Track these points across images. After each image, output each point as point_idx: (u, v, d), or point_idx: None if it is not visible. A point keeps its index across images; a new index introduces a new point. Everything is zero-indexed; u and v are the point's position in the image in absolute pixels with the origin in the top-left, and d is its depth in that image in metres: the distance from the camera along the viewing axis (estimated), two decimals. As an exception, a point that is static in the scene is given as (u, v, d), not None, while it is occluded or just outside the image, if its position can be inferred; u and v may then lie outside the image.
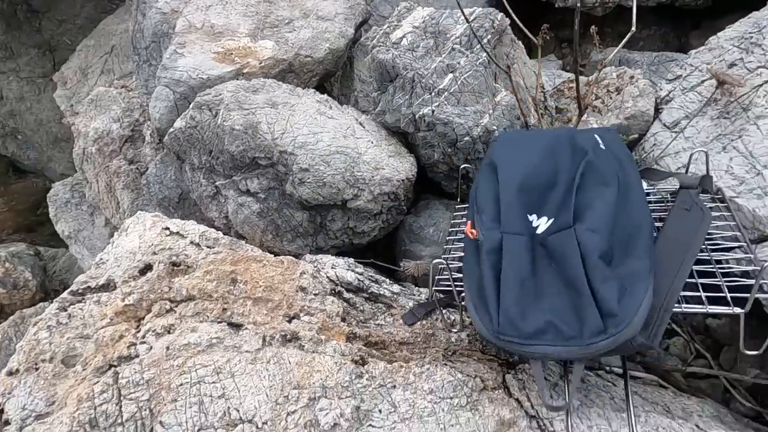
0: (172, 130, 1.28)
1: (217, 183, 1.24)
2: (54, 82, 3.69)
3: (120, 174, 1.91)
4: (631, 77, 1.55)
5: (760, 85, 1.25)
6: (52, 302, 2.57)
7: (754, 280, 0.81)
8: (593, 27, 1.39)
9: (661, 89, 1.54)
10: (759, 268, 0.86)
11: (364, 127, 1.38)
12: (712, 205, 1.10)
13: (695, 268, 0.91)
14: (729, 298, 0.83)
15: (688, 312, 0.83)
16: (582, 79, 1.62)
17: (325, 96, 1.54)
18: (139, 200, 1.93)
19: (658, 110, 1.51)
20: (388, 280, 1.20)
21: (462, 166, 1.24)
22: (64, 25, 3.95)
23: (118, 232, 1.12)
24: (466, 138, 1.26)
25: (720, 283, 0.87)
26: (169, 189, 1.64)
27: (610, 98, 1.49)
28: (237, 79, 1.51)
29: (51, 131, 3.91)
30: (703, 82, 1.43)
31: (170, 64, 1.47)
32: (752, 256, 0.92)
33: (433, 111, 1.26)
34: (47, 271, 3.28)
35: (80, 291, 1.03)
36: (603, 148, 0.98)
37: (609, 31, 2.95)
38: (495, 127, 1.26)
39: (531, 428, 0.87)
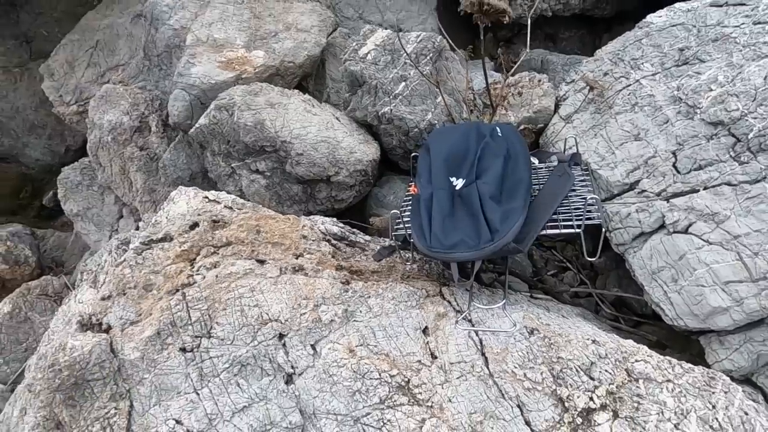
0: (197, 125, 1.70)
1: (233, 165, 1.68)
2: (31, 72, 3.93)
3: (133, 159, 2.30)
4: (539, 81, 2.06)
5: (620, 90, 1.78)
6: (54, 275, 2.98)
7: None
8: (498, 42, 1.88)
9: (560, 90, 2.06)
10: (589, 204, 1.38)
11: (340, 121, 1.83)
12: (581, 173, 1.63)
13: (561, 209, 1.43)
14: (575, 224, 1.36)
15: (549, 233, 1.35)
16: (508, 78, 2.11)
17: (308, 96, 1.98)
18: (150, 180, 2.33)
19: (557, 106, 2.02)
20: (361, 232, 1.68)
21: (413, 155, 1.73)
22: (41, 18, 4.13)
23: (166, 201, 1.55)
24: (416, 129, 1.74)
25: (571, 216, 1.39)
26: (181, 170, 2.05)
27: (522, 96, 1.99)
28: (237, 83, 1.94)
29: (27, 119, 4.10)
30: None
31: (185, 72, 1.87)
32: (596, 200, 1.44)
33: (390, 110, 1.73)
34: (39, 250, 3.57)
35: (146, 242, 1.46)
36: (500, 135, 1.49)
37: (539, 33, 3.48)
38: (436, 122, 1.74)
39: (456, 316, 1.38)
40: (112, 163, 2.36)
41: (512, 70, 1.88)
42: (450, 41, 1.74)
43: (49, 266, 3.46)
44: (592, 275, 1.99)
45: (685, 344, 1.54)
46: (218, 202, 1.48)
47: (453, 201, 1.36)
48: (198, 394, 1.23)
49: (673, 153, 1.51)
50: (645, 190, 1.51)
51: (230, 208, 1.48)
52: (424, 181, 1.41)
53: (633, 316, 1.74)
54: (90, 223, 2.78)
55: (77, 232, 3.09)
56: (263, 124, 1.64)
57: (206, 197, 1.49)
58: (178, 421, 1.19)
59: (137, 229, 2.13)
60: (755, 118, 1.39)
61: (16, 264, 3.32)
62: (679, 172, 1.47)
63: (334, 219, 1.67)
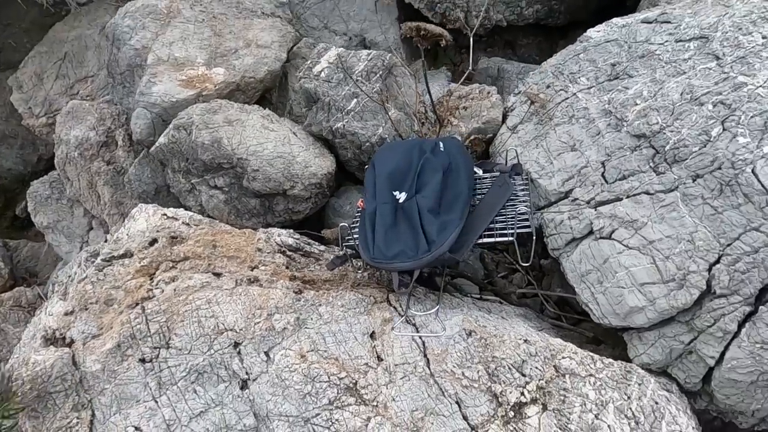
0: (157, 144, 1.78)
1: (192, 181, 1.76)
2: (0, 82, 3.93)
3: (100, 173, 2.36)
4: (488, 93, 2.17)
5: (559, 103, 1.90)
6: (27, 287, 3.02)
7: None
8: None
9: (508, 101, 2.18)
10: (521, 214, 1.49)
11: (297, 136, 1.92)
12: (521, 182, 1.74)
13: (499, 218, 1.54)
14: (509, 233, 1.47)
15: (485, 241, 1.46)
16: (460, 88, 2.22)
17: (267, 111, 2.07)
18: (117, 194, 2.40)
19: (505, 116, 2.14)
20: (317, 243, 1.77)
21: (365, 167, 1.83)
22: (9, 28, 4.13)
23: (127, 218, 1.62)
24: (368, 144, 1.84)
25: (506, 225, 1.51)
26: (146, 185, 2.12)
27: (471, 108, 2.10)
28: (198, 100, 2.01)
29: (-2, 129, 4.08)
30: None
31: (146, 91, 1.94)
32: (529, 210, 1.55)
33: (343, 126, 1.83)
34: (12, 261, 3.59)
35: (107, 259, 1.53)
36: (442, 149, 1.59)
37: (498, 39, 3.60)
38: (387, 136, 1.84)
39: (402, 321, 1.48)
40: (80, 178, 2.41)
41: (459, 82, 1.98)
42: (402, 56, 1.84)
43: (23, 277, 3.48)
44: (540, 276, 2.11)
45: (617, 340, 1.66)
46: (176, 219, 1.57)
47: (396, 214, 1.47)
48: (156, 401, 1.32)
49: (602, 163, 1.63)
50: (577, 198, 1.63)
51: (188, 224, 1.56)
52: (369, 196, 1.51)
53: (574, 314, 1.86)
54: (61, 235, 2.82)
55: (49, 243, 3.13)
56: (220, 142, 1.72)
57: (165, 214, 1.57)
58: (137, 428, 1.27)
59: (106, 241, 2.20)
60: (672, 131, 1.51)
61: (-12, 276, 3.33)
62: (606, 181, 1.59)
63: (291, 231, 1.76)
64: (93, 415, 1.29)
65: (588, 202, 1.59)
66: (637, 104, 1.65)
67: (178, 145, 1.74)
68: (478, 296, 1.92)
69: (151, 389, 1.32)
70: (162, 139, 1.77)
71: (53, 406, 1.26)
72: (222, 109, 1.90)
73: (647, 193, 1.47)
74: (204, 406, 1.33)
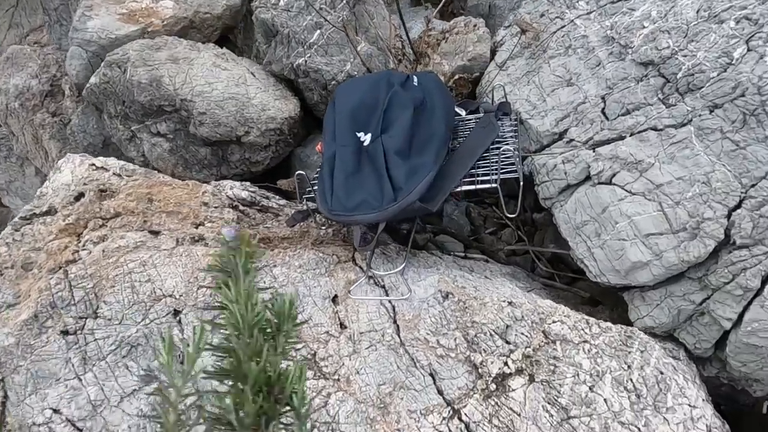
0: (88, 85, 1.54)
1: (132, 128, 1.53)
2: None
3: (45, 126, 2.12)
4: (474, 26, 1.91)
5: (554, 32, 1.65)
6: None
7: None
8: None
9: (497, 35, 1.92)
10: (504, 155, 1.27)
11: (255, 77, 1.68)
12: (510, 124, 1.51)
13: (482, 163, 1.32)
14: (493, 179, 1.26)
15: (463, 189, 1.25)
16: (442, 22, 1.96)
17: (224, 50, 1.81)
18: (66, 149, 2.16)
19: (494, 52, 1.88)
20: (277, 196, 1.56)
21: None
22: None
23: (52, 170, 1.40)
24: (333, 82, 1.60)
25: (490, 171, 1.29)
26: (92, 137, 1.89)
27: (455, 43, 1.85)
28: (142, 38, 1.76)
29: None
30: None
31: (80, 26, 1.69)
32: (514, 151, 1.33)
33: (305, 61, 1.58)
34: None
35: (27, 216, 1.32)
36: (415, 84, 1.36)
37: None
38: (356, 73, 1.60)
39: (368, 283, 1.29)
40: (24, 132, 2.18)
41: (434, 11, 1.73)
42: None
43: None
44: (532, 231, 1.91)
45: (616, 300, 1.47)
46: (106, 170, 1.35)
47: (360, 158, 1.25)
48: (80, 379, 1.13)
49: (603, 98, 1.40)
50: (573, 139, 1.40)
51: (119, 175, 1.34)
52: (328, 139, 1.29)
53: (569, 272, 1.67)
54: (16, 197, 2.61)
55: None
56: (160, 81, 1.48)
57: (93, 165, 1.35)
58: (55, 410, 1.09)
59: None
60: (685, 55, 1.27)
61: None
62: (607, 117, 1.36)
63: (247, 183, 1.54)
64: (5, 396, 1.11)
65: (585, 143, 1.37)
66: (644, 27, 1.41)
67: (111, 86, 1.50)
68: (462, 254, 1.72)
69: (73, 365, 1.14)
70: (93, 79, 1.53)
71: (-45, 388, 1.08)
72: (167, 46, 1.65)
73: (655, 128, 1.25)
74: (138, 384, 1.14)
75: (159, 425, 0.46)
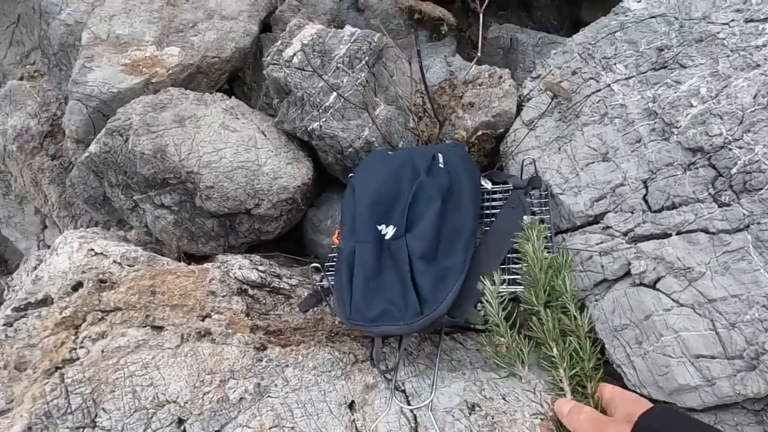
0: (87, 153, 1.43)
1: (134, 197, 1.43)
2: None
3: (44, 170, 2.02)
4: (500, 77, 1.79)
5: (589, 96, 1.53)
6: None
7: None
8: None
9: (524, 87, 1.80)
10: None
11: (265, 136, 1.57)
12: (539, 199, 1.40)
13: (513, 256, 1.21)
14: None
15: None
16: (465, 69, 1.84)
17: (233, 102, 1.70)
18: (66, 194, 2.07)
19: (520, 107, 1.77)
20: (288, 273, 1.46)
21: (350, 176, 1.48)
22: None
23: (48, 251, 1.31)
24: (350, 149, 1.49)
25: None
26: (93, 189, 1.78)
27: (480, 97, 1.73)
28: (147, 90, 1.65)
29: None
30: (553, 85, 1.69)
31: (80, 79, 1.58)
32: (552, 245, 1.23)
33: (320, 126, 1.47)
34: (-20, 247, 3.30)
35: (22, 307, 1.23)
36: (441, 165, 1.24)
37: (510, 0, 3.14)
38: (374, 139, 1.49)
39: (388, 388, 1.19)
40: (23, 174, 2.08)
41: (472, 62, 1.61)
42: (402, 21, 1.46)
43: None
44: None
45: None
46: (106, 256, 1.25)
47: (381, 255, 1.14)
48: (77, 503, 1.04)
49: (644, 182, 1.28)
50: (610, 227, 1.29)
51: (119, 263, 1.24)
52: (346, 232, 1.18)
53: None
54: (15, 231, 2.52)
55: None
56: (165, 152, 1.37)
57: (92, 250, 1.25)
58: None
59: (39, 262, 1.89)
60: (741, 147, 1.16)
61: (-50, 267, 3.06)
62: (650, 208, 1.25)
63: (256, 258, 1.44)
64: None
65: (625, 234, 1.26)
66: (692, 106, 1.29)
67: (112, 155, 1.40)
68: (483, 327, 1.62)
69: (69, 486, 1.05)
70: (93, 148, 1.43)
71: None
72: (173, 102, 1.54)
73: (705, 231, 1.14)
74: (144, 500, 1.06)
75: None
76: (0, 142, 2.04)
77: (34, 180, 2.07)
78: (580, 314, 0.78)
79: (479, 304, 1.14)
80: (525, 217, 1.28)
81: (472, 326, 1.10)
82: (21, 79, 2.67)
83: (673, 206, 1.21)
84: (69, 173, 1.97)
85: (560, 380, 0.72)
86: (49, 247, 2.24)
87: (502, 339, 0.84)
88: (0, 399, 1.13)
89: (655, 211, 1.24)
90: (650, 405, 0.58)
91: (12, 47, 3.18)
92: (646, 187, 1.28)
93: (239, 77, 2.11)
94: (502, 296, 0.92)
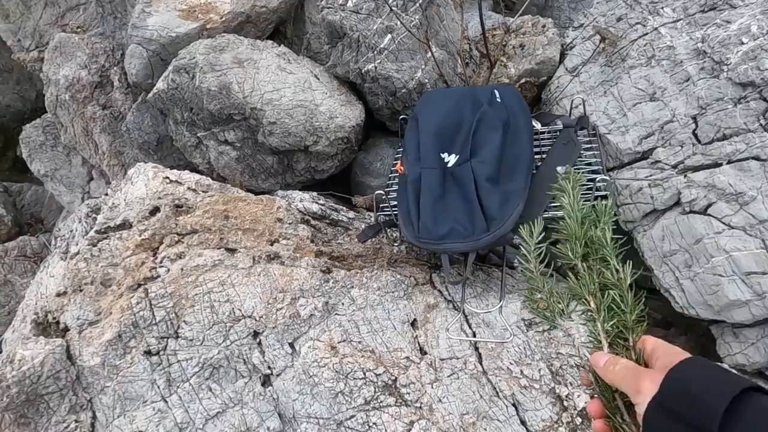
0: (155, 90, 1.50)
1: (198, 134, 1.49)
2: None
3: (96, 119, 2.09)
4: (543, 26, 1.83)
5: (635, 40, 1.57)
6: (31, 236, 2.80)
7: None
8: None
9: (567, 36, 1.84)
10: (599, 182, 1.21)
11: (318, 80, 1.63)
12: (587, 138, 1.45)
13: None
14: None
15: (550, 215, 1.20)
16: (508, 20, 1.88)
17: (283, 48, 1.75)
18: (117, 142, 2.14)
19: (563, 55, 1.81)
20: (345, 208, 1.53)
21: (400, 117, 1.54)
22: (-10, -52, 3.73)
23: (123, 181, 1.38)
24: (403, 90, 1.54)
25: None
26: (147, 134, 1.86)
27: (525, 45, 1.77)
28: (201, 35, 1.70)
29: (-10, 62, 3.80)
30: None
31: (140, 23, 1.63)
32: (605, 178, 1.28)
33: (375, 67, 1.52)
34: (16, 206, 3.40)
35: (102, 230, 1.31)
36: (499, 100, 1.30)
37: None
38: (427, 80, 1.54)
39: (448, 308, 1.26)
40: (74, 124, 2.15)
41: (517, 16, 1.64)
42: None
43: (28, 223, 3.31)
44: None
45: (690, 324, 1.44)
46: (181, 183, 1.32)
47: (445, 181, 1.20)
48: (166, 402, 1.13)
49: (694, 118, 1.33)
50: (659, 161, 1.35)
51: (194, 190, 1.31)
52: (411, 159, 1.24)
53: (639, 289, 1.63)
54: (60, 185, 2.60)
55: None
56: (230, 89, 1.43)
57: (167, 178, 1.32)
58: (145, 434, 1.10)
59: (107, 194, 1.97)
60: (793, 79, 1.20)
61: (-10, 224, 3.15)
62: (699, 141, 1.30)
63: (314, 194, 1.51)
64: (94, 417, 1.12)
65: (675, 167, 1.31)
66: (742, 44, 1.33)
67: (179, 92, 1.46)
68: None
69: (159, 387, 1.14)
70: (161, 85, 1.49)
71: (47, 410, 1.08)
72: (230, 46, 1.59)
73: (757, 158, 1.19)
74: (221, 406, 1.14)
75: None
76: (53, 91, 2.11)
77: (85, 129, 2.13)
78: (622, 267, 0.72)
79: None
80: (559, 169, 1.32)
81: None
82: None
83: (724, 138, 1.26)
84: (121, 121, 2.04)
85: (597, 334, 0.71)
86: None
87: (540, 295, 0.80)
88: (89, 311, 1.22)
89: (705, 144, 1.29)
90: (690, 356, 0.56)
91: (47, 8, 3.22)
92: (696, 122, 1.33)
93: (280, 31, 2.15)
94: (540, 248, 0.89)
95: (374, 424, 1.15)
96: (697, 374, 0.54)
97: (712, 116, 1.30)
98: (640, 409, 0.56)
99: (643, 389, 0.57)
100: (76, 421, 1.10)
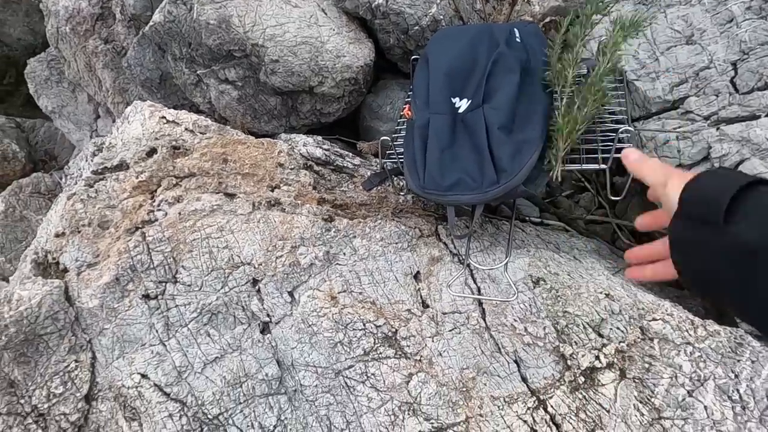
0: (151, 23, 1.41)
1: (198, 72, 1.41)
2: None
3: (98, 54, 2.01)
4: (574, -42, 1.66)
5: (676, -26, 1.41)
6: (45, 173, 2.79)
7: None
8: None
9: (599, -30, 1.67)
10: (620, 136, 1.13)
11: (326, 14, 1.52)
12: (613, 83, 1.34)
13: (586, 136, 1.18)
14: (600, 158, 1.13)
15: (567, 168, 1.13)
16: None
17: (289, -21, 1.63)
18: (120, 79, 2.07)
19: (593, -8, 1.65)
20: (351, 153, 1.46)
21: (412, 58, 1.43)
22: None
23: (120, 119, 1.33)
24: (416, 27, 1.43)
25: (596, 147, 1.16)
26: (150, 71, 1.78)
27: (552, -19, 1.62)
28: (202, -37, 1.58)
29: (-1, -8, 3.69)
30: (633, -35, 1.56)
31: (136, -51, 1.52)
32: (629, 129, 1.19)
33: (386, 2, 1.41)
34: (29, 142, 3.39)
35: (99, 170, 1.27)
36: (518, 40, 1.19)
37: None
38: (442, 17, 1.42)
39: (453, 261, 1.22)
40: (76, 58, 2.08)
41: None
42: None
43: (42, 159, 3.31)
44: (614, 196, 1.78)
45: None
46: (178, 124, 1.26)
47: (455, 128, 1.12)
48: (165, 345, 1.13)
49: (734, 64, 1.21)
50: (691, 111, 1.24)
51: (191, 131, 1.26)
52: (420, 103, 1.15)
53: (654, 247, 1.56)
54: (68, 122, 2.57)
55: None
56: (229, 23, 1.34)
57: (164, 117, 1.26)
58: (144, 375, 1.10)
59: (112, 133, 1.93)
60: None
61: (5, 160, 3.16)
62: (737, 90, 1.19)
63: (319, 138, 1.44)
64: (94, 357, 1.12)
65: (707, 118, 1.21)
66: (798, -21, 1.18)
67: (177, 26, 1.37)
68: (539, 220, 1.62)
69: (157, 331, 1.13)
70: (157, 17, 1.40)
71: (46, 349, 1.09)
72: (232, -25, 1.48)
73: (801, 111, 1.08)
74: (219, 352, 1.14)
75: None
76: (53, 23, 2.03)
77: (88, 64, 2.07)
78: None
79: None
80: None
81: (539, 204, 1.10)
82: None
83: (765, 87, 1.14)
84: (124, 56, 1.96)
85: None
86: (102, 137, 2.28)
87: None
88: (87, 253, 1.20)
89: (743, 93, 1.17)
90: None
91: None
92: (735, 69, 1.21)
93: (290, -39, 2.01)
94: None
95: (372, 374, 1.13)
96: (711, 179, 0.64)
97: (755, 62, 1.18)
98: (665, 198, 0.69)
99: (670, 184, 0.70)
100: (76, 361, 1.10)
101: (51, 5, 2.02)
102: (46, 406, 1.06)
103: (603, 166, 1.12)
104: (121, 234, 1.20)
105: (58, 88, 2.41)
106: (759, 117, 1.13)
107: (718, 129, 1.17)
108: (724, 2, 1.29)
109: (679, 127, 1.24)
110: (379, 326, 1.16)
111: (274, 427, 1.12)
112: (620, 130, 1.08)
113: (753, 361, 1.04)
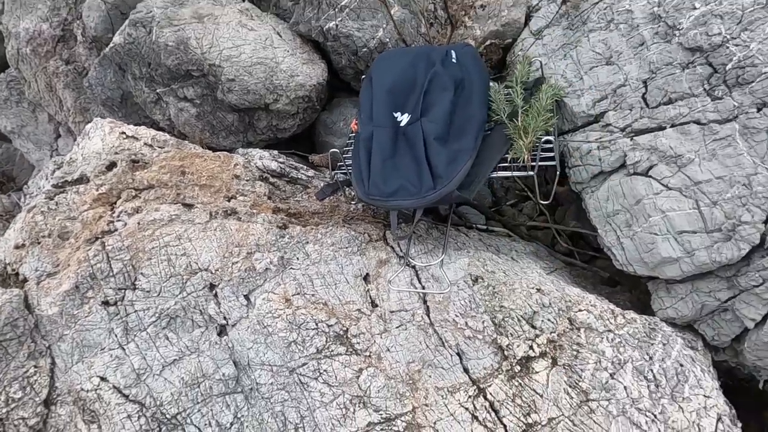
0: (112, 45, 1.48)
1: (158, 90, 1.49)
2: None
3: (59, 74, 2.06)
4: (510, -13, 1.82)
5: (596, 3, 1.57)
6: (2, 194, 2.78)
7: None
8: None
9: (533, -2, 1.83)
10: (544, 144, 1.25)
11: (281, 37, 1.62)
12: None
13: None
14: (529, 166, 1.25)
15: (499, 176, 1.25)
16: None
17: (247, 4, 1.73)
18: (81, 99, 2.11)
19: (528, 18, 1.81)
20: (305, 166, 1.55)
21: (362, 77, 1.54)
22: None
23: (80, 136, 1.38)
24: (365, 49, 1.54)
25: (527, 155, 1.28)
26: (111, 90, 1.84)
27: (488, 7, 1.77)
28: (163, -12, 1.67)
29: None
30: (561, -5, 1.73)
31: (97, -25, 1.60)
32: (553, 139, 1.32)
33: (336, 25, 1.52)
34: (-13, 164, 3.34)
35: (60, 184, 1.32)
36: (454, 61, 1.31)
37: None
38: (388, 40, 1.54)
39: (399, 263, 1.31)
40: (37, 79, 2.12)
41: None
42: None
43: (0, 180, 3.27)
44: (553, 205, 1.92)
45: (635, 282, 1.51)
46: (137, 139, 1.33)
47: (396, 140, 1.23)
48: (124, 349, 1.18)
49: (644, 82, 1.36)
50: (610, 124, 1.38)
51: (150, 145, 1.32)
52: (364, 118, 1.26)
53: (589, 250, 1.69)
54: (28, 141, 2.58)
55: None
56: (187, 44, 1.43)
57: (123, 133, 1.33)
58: (103, 378, 1.14)
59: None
60: (737, 45, 1.23)
61: (-39, 182, 3.11)
62: (647, 105, 1.34)
63: (275, 152, 1.53)
64: (53, 363, 1.16)
65: (623, 130, 1.35)
66: (695, 9, 1.35)
67: (136, 47, 1.45)
68: (484, 227, 1.74)
69: (116, 336, 1.18)
70: (117, 39, 1.47)
71: (5, 356, 1.12)
72: (190, 1, 1.57)
73: (698, 122, 1.23)
74: (178, 354, 1.19)
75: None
76: (14, 44, 2.06)
77: (48, 85, 2.10)
78: None
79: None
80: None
81: (475, 204, 1.21)
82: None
83: (670, 102, 1.30)
84: (85, 76, 2.01)
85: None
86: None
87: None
88: (47, 263, 1.24)
89: (652, 108, 1.32)
90: None
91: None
92: (646, 86, 1.36)
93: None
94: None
95: (325, 371, 1.21)
96: None
97: (661, 80, 1.33)
98: None
99: None
100: (36, 367, 1.14)
101: (12, 27, 2.06)
102: (4, 410, 1.09)
103: (530, 173, 1.24)
104: (81, 244, 1.25)
105: (17, 108, 2.42)
106: (665, 128, 1.27)
107: (632, 139, 1.31)
108: (636, 27, 1.45)
109: (600, 138, 1.37)
110: (331, 325, 1.24)
111: (231, 424, 1.17)
112: (543, 140, 1.20)
113: (664, 344, 1.17)
